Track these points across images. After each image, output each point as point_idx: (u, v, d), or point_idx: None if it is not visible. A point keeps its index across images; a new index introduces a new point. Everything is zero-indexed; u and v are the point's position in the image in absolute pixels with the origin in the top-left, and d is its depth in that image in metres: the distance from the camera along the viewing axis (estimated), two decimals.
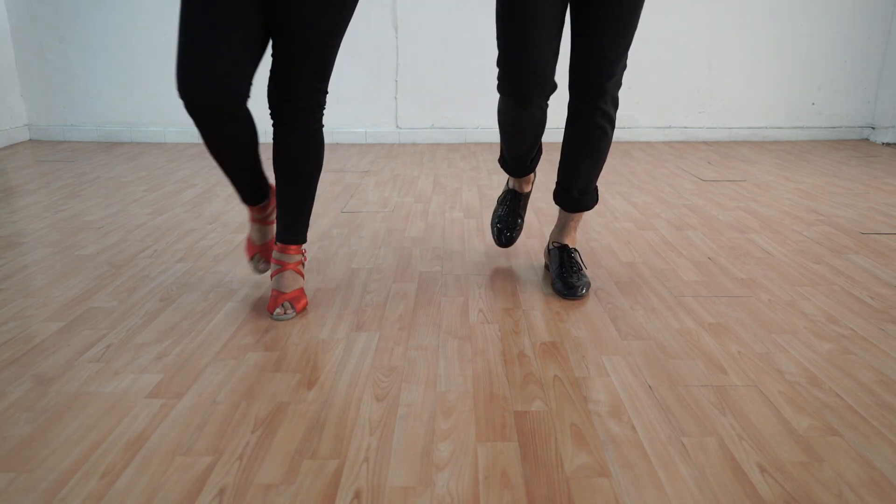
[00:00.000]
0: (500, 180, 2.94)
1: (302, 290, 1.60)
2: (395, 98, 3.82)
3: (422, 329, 1.51)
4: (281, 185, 1.55)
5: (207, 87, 1.31)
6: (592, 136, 1.62)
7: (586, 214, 2.39)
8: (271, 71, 1.48)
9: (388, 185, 2.85)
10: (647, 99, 3.86)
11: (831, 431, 1.12)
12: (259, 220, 1.68)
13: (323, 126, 1.55)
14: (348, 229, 2.23)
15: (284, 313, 1.54)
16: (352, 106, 3.84)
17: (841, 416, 1.17)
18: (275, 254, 1.61)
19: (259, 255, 1.69)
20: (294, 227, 1.59)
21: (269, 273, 1.66)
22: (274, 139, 1.53)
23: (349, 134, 3.88)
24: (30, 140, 3.88)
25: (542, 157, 3.43)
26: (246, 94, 1.37)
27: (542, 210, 2.47)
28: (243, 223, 2.29)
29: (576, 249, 1.77)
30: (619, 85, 1.58)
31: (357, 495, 0.97)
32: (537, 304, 1.64)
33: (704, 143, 3.88)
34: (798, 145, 3.78)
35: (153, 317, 1.57)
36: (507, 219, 1.91)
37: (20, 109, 3.83)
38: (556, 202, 1.77)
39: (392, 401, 1.22)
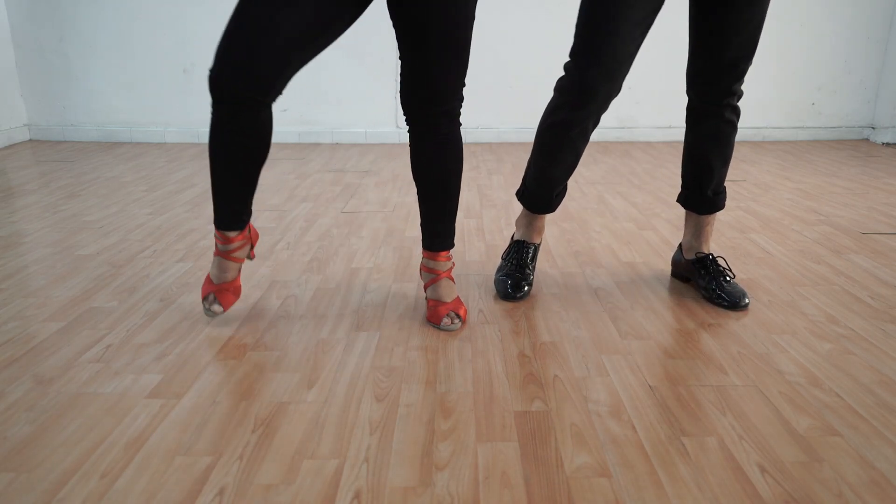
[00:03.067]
0: (499, 180, 2.94)
1: (459, 298, 1.57)
2: (395, 98, 3.82)
3: (422, 329, 1.51)
4: (424, 192, 1.52)
5: (241, 66, 1.28)
6: (722, 132, 1.58)
7: (589, 214, 2.39)
8: (403, 76, 1.42)
9: (388, 185, 2.85)
10: (647, 99, 3.86)
11: (831, 431, 1.12)
12: (223, 253, 1.52)
13: (461, 125, 1.49)
14: (348, 229, 2.23)
15: (451, 323, 1.51)
16: (352, 106, 3.84)
17: (841, 416, 1.17)
18: (426, 262, 1.58)
19: (214, 294, 1.50)
20: (444, 234, 1.55)
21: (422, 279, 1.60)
22: (413, 146, 1.49)
23: (349, 134, 3.88)
24: (30, 140, 3.88)
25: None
26: (275, 87, 1.32)
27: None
28: None
29: (721, 256, 1.74)
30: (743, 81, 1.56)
31: (357, 495, 0.97)
32: (537, 304, 1.64)
33: None
34: (798, 145, 3.78)
35: (153, 317, 1.57)
36: (515, 273, 1.69)
37: (20, 109, 3.83)
38: (689, 207, 1.69)
39: (392, 401, 1.22)
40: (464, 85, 1.43)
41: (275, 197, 2.65)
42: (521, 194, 1.71)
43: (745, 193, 2.70)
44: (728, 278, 1.65)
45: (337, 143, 3.87)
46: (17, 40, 3.74)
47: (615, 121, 3.90)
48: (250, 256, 1.62)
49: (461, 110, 1.46)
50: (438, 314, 1.52)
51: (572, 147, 1.55)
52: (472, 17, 1.38)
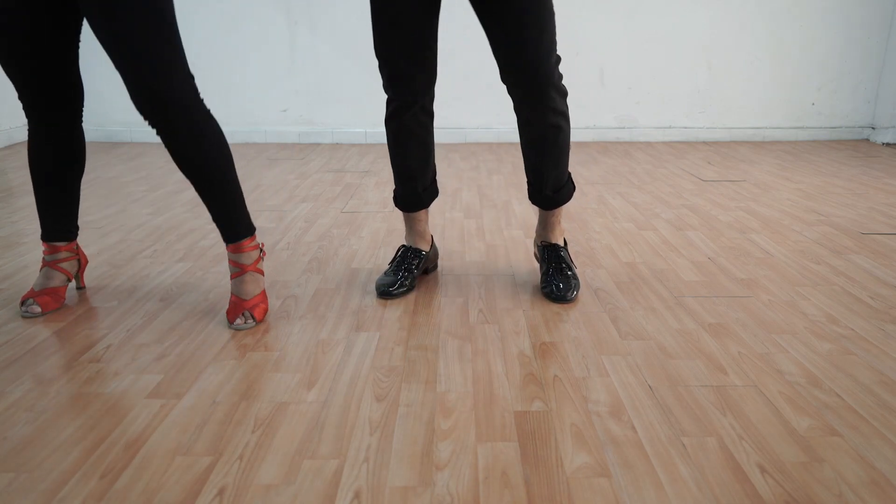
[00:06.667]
0: (499, 180, 2.94)
1: (263, 294, 1.55)
2: None
3: (422, 329, 1.51)
4: (200, 185, 1.46)
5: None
6: (544, 139, 1.56)
7: (585, 214, 2.39)
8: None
9: (388, 185, 2.84)
10: (647, 99, 3.86)
11: (831, 431, 1.12)
12: (50, 263, 1.60)
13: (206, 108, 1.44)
14: (348, 229, 2.23)
15: (244, 323, 1.50)
16: (352, 106, 3.84)
17: (841, 416, 1.17)
18: (231, 255, 1.54)
19: (33, 299, 1.56)
20: (238, 222, 1.51)
21: (229, 276, 1.61)
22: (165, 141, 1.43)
23: (349, 134, 3.88)
24: None
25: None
26: (73, 104, 1.52)
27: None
28: None
29: (564, 246, 1.73)
30: (559, 77, 1.49)
31: (357, 495, 0.97)
32: (537, 304, 1.64)
33: (704, 143, 3.88)
34: (798, 145, 3.78)
35: (153, 317, 1.57)
36: (394, 273, 1.70)
37: (20, 109, 3.83)
38: (533, 202, 1.71)
39: (392, 401, 1.22)
40: (189, 75, 1.38)
41: (275, 197, 2.65)
42: (394, 196, 1.74)
43: (745, 193, 2.70)
44: (565, 270, 1.69)
45: (337, 144, 3.87)
46: None
47: (615, 121, 3.90)
48: (80, 285, 1.70)
49: (197, 100, 1.39)
50: (233, 313, 1.52)
51: (412, 135, 1.61)
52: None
